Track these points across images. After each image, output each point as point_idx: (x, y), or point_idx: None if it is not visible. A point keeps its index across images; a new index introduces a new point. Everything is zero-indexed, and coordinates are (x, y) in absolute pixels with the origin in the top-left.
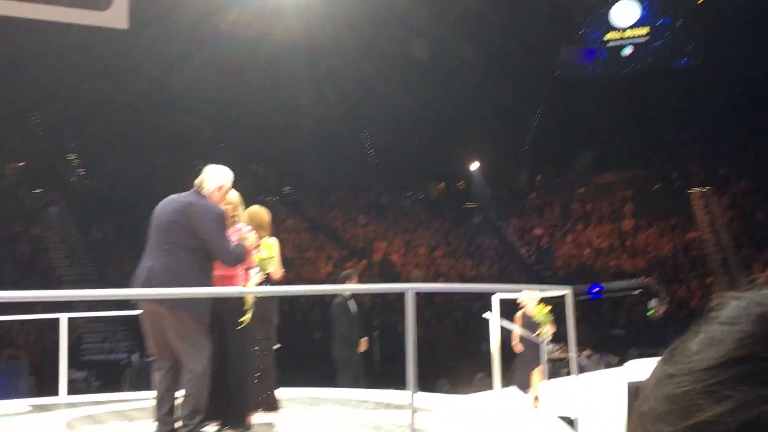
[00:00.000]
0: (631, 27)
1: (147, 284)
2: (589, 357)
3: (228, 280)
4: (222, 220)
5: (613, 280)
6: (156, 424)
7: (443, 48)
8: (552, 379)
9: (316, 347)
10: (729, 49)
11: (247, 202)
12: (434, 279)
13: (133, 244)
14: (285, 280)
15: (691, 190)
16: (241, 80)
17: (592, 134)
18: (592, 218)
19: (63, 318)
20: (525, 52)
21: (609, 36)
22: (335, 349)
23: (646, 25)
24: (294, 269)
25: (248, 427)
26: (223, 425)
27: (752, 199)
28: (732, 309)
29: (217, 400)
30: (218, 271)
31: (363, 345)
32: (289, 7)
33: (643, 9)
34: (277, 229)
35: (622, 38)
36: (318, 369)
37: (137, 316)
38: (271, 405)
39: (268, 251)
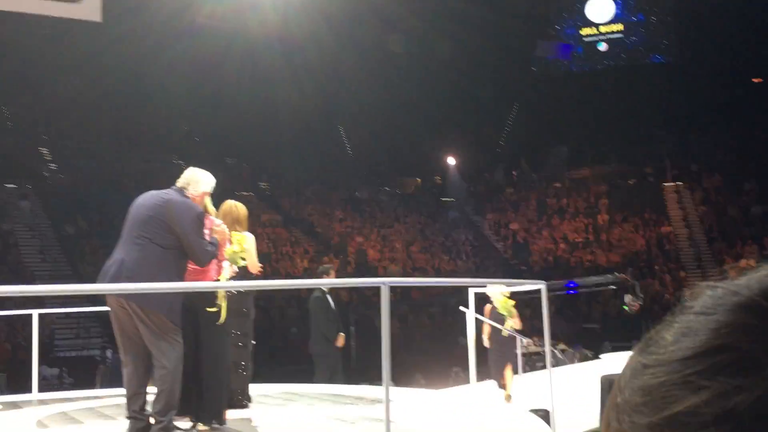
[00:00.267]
0: (606, 23)
1: (115, 279)
2: (563, 351)
3: (200, 274)
4: (201, 220)
5: (588, 274)
6: (129, 420)
7: (420, 44)
8: (526, 373)
9: (292, 342)
10: (703, 46)
11: (223, 196)
12: (410, 274)
13: (106, 240)
14: (261, 275)
15: (664, 186)
16: (217, 74)
17: (568, 130)
18: (567, 213)
19: (35, 314)
20: (501, 48)
21: (584, 32)
22: (313, 344)
23: (621, 22)
24: (270, 264)
25: (222, 422)
26: (197, 421)
27: (724, 195)
28: (707, 299)
29: (191, 396)
30: (190, 264)
31: (341, 340)
32: (265, 1)
33: (618, 5)
34: (253, 224)
35: (597, 34)
36: (294, 364)
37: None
38: (244, 401)
39: (239, 245)
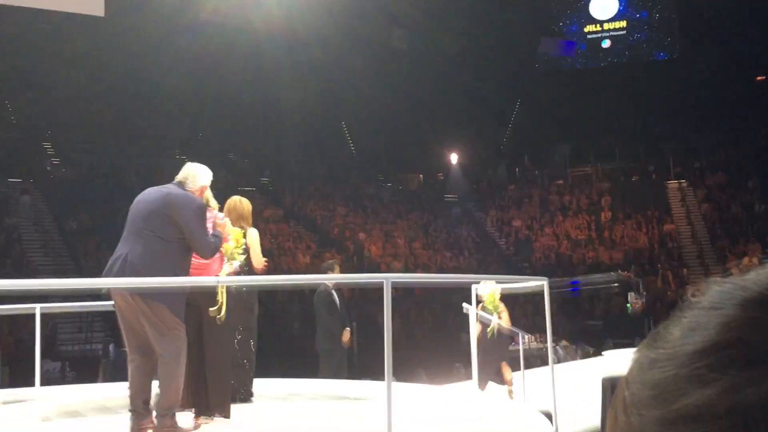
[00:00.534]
0: (610, 20)
1: (120, 274)
2: (565, 348)
3: (202, 270)
4: (203, 212)
5: (591, 271)
6: (131, 414)
7: (424, 40)
8: (526, 371)
9: (295, 338)
10: (706, 43)
11: (226, 192)
12: (413, 270)
13: (109, 234)
14: (266, 271)
15: (667, 183)
16: (220, 70)
17: (571, 127)
18: (569, 210)
19: (37, 309)
20: (505, 45)
21: (588, 29)
22: (318, 340)
23: (625, 19)
24: (272, 260)
25: (227, 416)
26: (201, 414)
27: (727, 192)
28: (715, 294)
29: (195, 390)
30: (194, 257)
31: (346, 336)
32: None
33: (621, 3)
34: (255, 219)
35: (600, 31)
36: (297, 360)
37: (113, 307)
38: (247, 395)
39: (236, 241)
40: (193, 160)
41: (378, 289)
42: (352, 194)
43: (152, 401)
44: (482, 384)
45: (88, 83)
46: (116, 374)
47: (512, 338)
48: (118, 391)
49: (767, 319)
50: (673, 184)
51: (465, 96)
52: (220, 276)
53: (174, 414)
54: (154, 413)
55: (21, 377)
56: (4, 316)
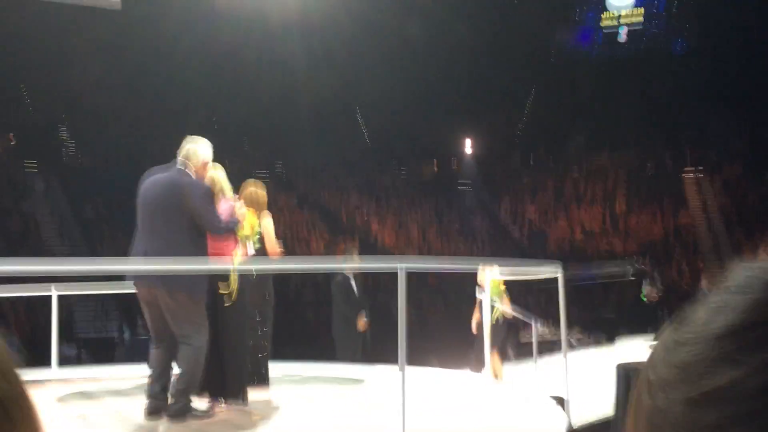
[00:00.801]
0: (627, 10)
1: (144, 272)
2: (579, 339)
3: (219, 254)
4: (210, 194)
5: (605, 262)
6: (148, 400)
7: (438, 28)
8: (541, 358)
9: (310, 324)
10: (723, 33)
11: (239, 179)
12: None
13: (124, 221)
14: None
15: (683, 174)
16: (235, 58)
17: (586, 116)
18: (584, 200)
19: (54, 293)
20: (520, 33)
21: (605, 19)
22: (334, 326)
23: (642, 9)
24: (285, 247)
25: (244, 401)
26: (218, 400)
27: (744, 183)
28: (742, 277)
29: (210, 375)
30: (210, 241)
31: (361, 322)
32: None
33: None
34: (269, 207)
35: (617, 21)
36: (312, 345)
37: (129, 294)
38: (263, 381)
39: (251, 227)
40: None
41: (392, 276)
42: (366, 182)
43: (170, 386)
44: (479, 367)
45: (104, 72)
46: (131, 359)
47: (518, 327)
48: (133, 374)
49: None
50: (689, 174)
51: (480, 85)
52: (233, 259)
53: (189, 401)
54: (170, 397)
55: (38, 361)
56: (21, 301)
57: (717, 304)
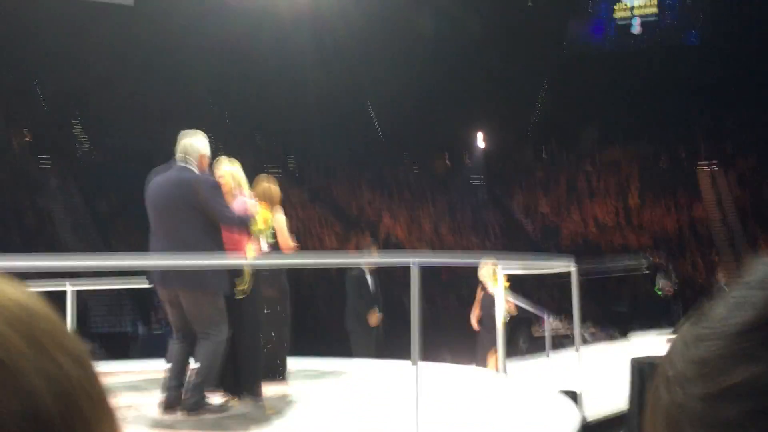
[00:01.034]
0: (641, 2)
1: (164, 274)
2: (593, 334)
3: (235, 249)
4: (217, 187)
5: (619, 256)
6: (164, 394)
7: (450, 22)
8: (554, 353)
9: (322, 319)
10: (737, 24)
11: (251, 174)
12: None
13: (138, 215)
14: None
15: (697, 167)
16: (247, 53)
17: (599, 109)
18: (597, 194)
19: (69, 289)
20: (533, 26)
21: (618, 10)
22: (347, 321)
23: (655, 0)
24: (297, 242)
25: (258, 396)
26: (233, 395)
27: (759, 176)
28: (761, 272)
29: (227, 371)
30: (225, 234)
31: (372, 318)
32: None
33: None
34: (281, 202)
35: (631, 13)
36: (326, 340)
37: (144, 289)
38: (282, 376)
39: (264, 223)
40: (219, 143)
41: (404, 272)
42: (378, 177)
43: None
44: (481, 362)
45: (117, 67)
46: (146, 354)
47: (530, 322)
48: (148, 369)
49: None
50: (703, 167)
51: (492, 78)
52: (247, 253)
53: (204, 396)
54: (184, 392)
55: None
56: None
57: (736, 300)
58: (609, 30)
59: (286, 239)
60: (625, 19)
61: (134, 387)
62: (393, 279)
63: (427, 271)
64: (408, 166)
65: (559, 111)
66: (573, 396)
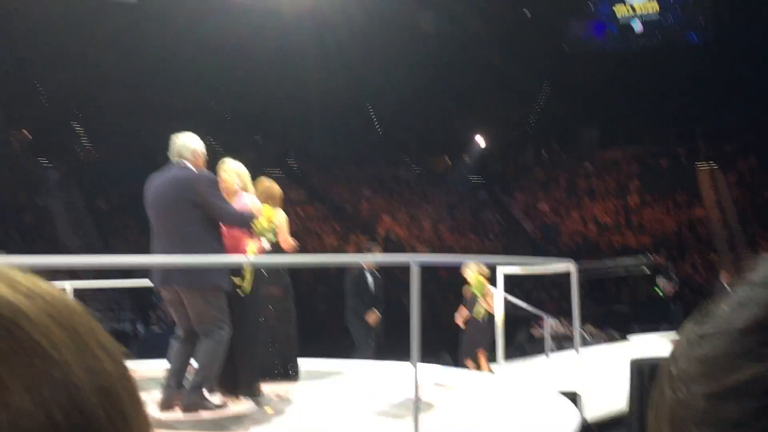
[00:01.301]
0: (642, 2)
1: (166, 274)
2: (592, 334)
3: (235, 248)
4: (215, 183)
5: (619, 256)
6: (163, 393)
7: (450, 21)
8: (554, 353)
9: (321, 319)
10: (739, 24)
11: (252, 172)
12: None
13: (138, 214)
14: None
15: (697, 167)
16: (248, 52)
17: (599, 109)
18: (597, 194)
19: (69, 287)
20: (533, 26)
21: (618, 10)
22: (347, 322)
23: (657, 0)
24: (298, 241)
25: (257, 395)
26: (231, 394)
27: (759, 176)
28: (766, 271)
29: (226, 370)
30: (225, 230)
31: (370, 318)
32: None
33: None
34: (282, 203)
35: (632, 13)
36: (325, 341)
37: (143, 288)
38: (295, 373)
39: (267, 220)
40: (220, 142)
41: (403, 271)
42: (378, 176)
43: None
44: (463, 362)
45: (118, 65)
46: (145, 352)
47: (529, 322)
48: (148, 368)
49: None
50: (703, 167)
51: (492, 78)
52: (247, 251)
53: (203, 390)
54: (186, 393)
55: None
56: None
57: (741, 299)
58: (610, 30)
59: (287, 238)
60: (625, 19)
61: None
62: (393, 278)
63: (425, 270)
64: (408, 165)
65: (559, 111)
66: (572, 397)
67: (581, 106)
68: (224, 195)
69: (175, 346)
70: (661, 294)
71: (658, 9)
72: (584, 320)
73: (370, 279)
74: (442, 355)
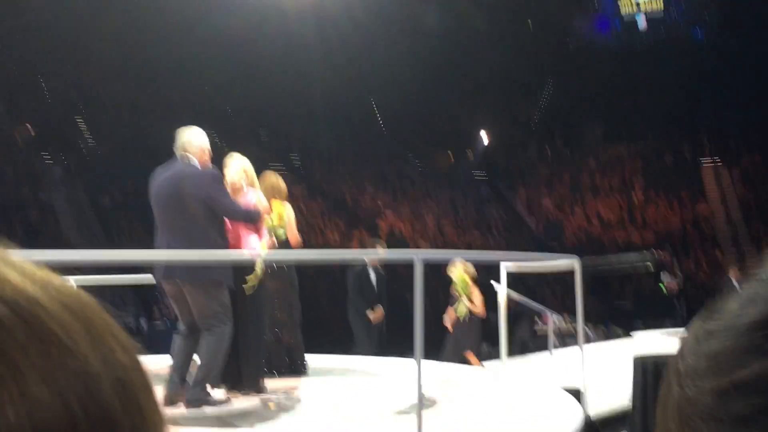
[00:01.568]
0: None
1: (168, 269)
2: (594, 329)
3: (237, 244)
4: (219, 179)
5: (623, 253)
6: (166, 389)
7: (454, 17)
8: (557, 350)
9: (325, 315)
10: (744, 21)
11: (255, 168)
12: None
13: (141, 210)
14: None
15: (702, 163)
16: (251, 47)
17: (603, 106)
18: (601, 190)
19: (72, 283)
20: (537, 22)
21: (623, 6)
22: (349, 317)
23: None
24: (302, 237)
25: (261, 391)
26: (235, 390)
27: (764, 173)
28: None
29: (229, 365)
30: (229, 227)
31: (374, 315)
32: None
33: None
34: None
35: (636, 8)
36: (328, 336)
37: (147, 285)
38: (305, 369)
39: (278, 218)
40: (224, 137)
41: (407, 268)
42: (381, 172)
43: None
44: (449, 360)
45: (121, 61)
46: (148, 348)
47: (531, 318)
48: (150, 364)
49: None
50: (707, 164)
51: (496, 74)
52: (260, 247)
53: (206, 386)
54: (189, 389)
55: None
56: None
57: (749, 295)
58: (614, 26)
59: (295, 233)
60: (630, 14)
61: None
62: (396, 275)
63: (428, 266)
64: (411, 161)
65: (563, 107)
66: (576, 393)
67: (585, 103)
68: (230, 191)
69: (177, 341)
70: (664, 291)
71: (662, 5)
72: (588, 316)
73: (372, 276)
74: (443, 351)
